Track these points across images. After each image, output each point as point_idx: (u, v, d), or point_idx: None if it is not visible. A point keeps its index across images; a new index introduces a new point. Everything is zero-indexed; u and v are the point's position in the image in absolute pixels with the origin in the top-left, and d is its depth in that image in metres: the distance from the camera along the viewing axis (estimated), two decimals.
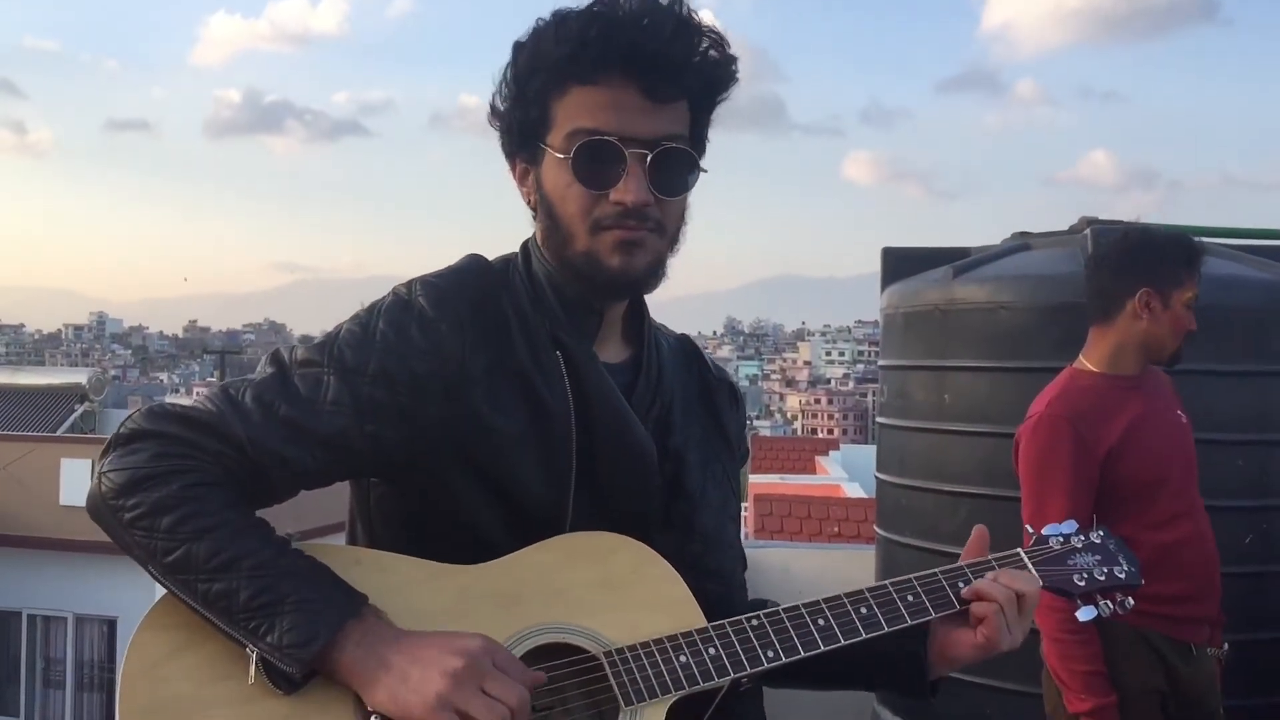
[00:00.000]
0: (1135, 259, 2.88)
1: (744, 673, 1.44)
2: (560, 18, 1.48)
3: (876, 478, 4.34)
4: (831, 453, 19.21)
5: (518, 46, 1.51)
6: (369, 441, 1.43)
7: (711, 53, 1.49)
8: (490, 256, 1.62)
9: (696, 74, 1.49)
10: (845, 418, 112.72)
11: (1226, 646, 2.99)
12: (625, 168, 1.45)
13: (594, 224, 1.48)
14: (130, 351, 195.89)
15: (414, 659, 1.31)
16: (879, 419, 4.35)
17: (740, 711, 1.58)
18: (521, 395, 1.49)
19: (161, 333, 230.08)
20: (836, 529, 9.96)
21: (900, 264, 4.31)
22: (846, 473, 15.29)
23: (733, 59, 1.52)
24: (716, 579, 1.60)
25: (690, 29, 1.46)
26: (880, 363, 4.41)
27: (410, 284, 1.51)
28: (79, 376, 23.74)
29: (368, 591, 1.36)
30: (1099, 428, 2.81)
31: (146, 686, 1.31)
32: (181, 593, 1.33)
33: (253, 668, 1.30)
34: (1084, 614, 1.64)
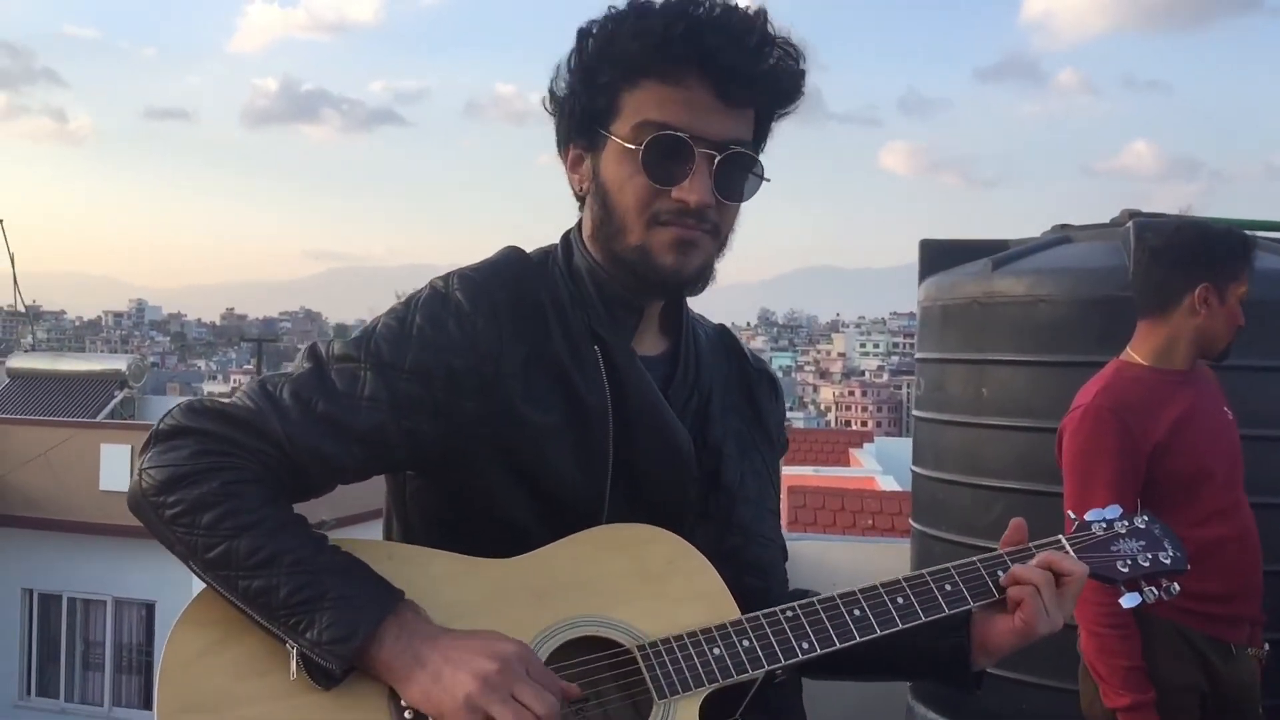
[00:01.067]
0: (1195, 253, 2.84)
1: (778, 665, 1.43)
2: (642, 10, 1.46)
3: (912, 471, 4.31)
4: (866, 445, 19.12)
5: (585, 34, 1.50)
6: (406, 436, 1.43)
7: (787, 64, 1.48)
8: (526, 246, 1.61)
9: (771, 84, 1.48)
10: (879, 410, 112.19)
11: (1267, 647, 2.94)
12: (693, 166, 1.44)
13: (651, 218, 1.47)
14: (169, 338, 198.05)
15: (448, 658, 1.31)
16: (915, 412, 4.32)
17: (777, 703, 1.57)
18: (558, 389, 1.49)
19: (200, 320, 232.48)
20: (870, 522, 9.92)
21: (938, 256, 4.27)
22: (881, 465, 15.21)
23: (803, 73, 1.51)
24: (756, 571, 1.60)
25: (770, 39, 1.46)
26: (917, 355, 4.37)
27: (447, 278, 1.51)
28: (119, 363, 24.01)
29: (402, 586, 1.36)
30: (1146, 421, 2.77)
31: (185, 682, 1.32)
32: (222, 588, 1.34)
33: (293, 663, 1.31)
34: (1128, 600, 1.61)
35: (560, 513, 1.48)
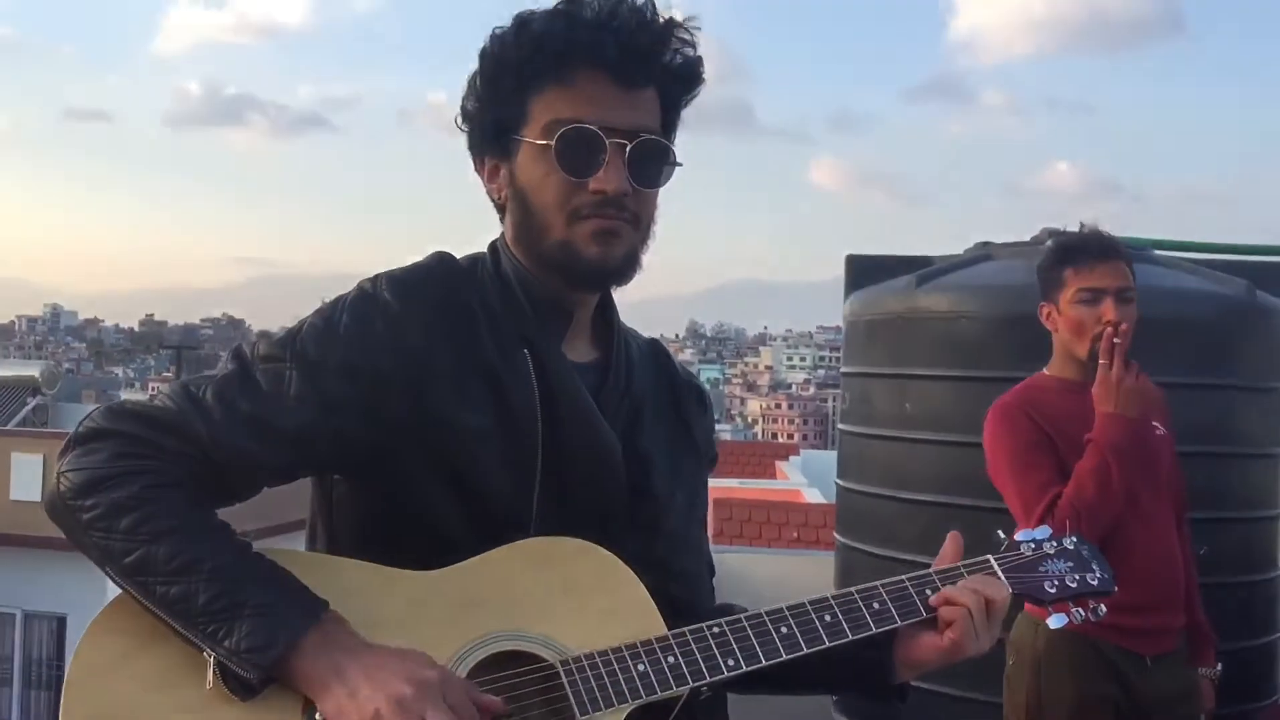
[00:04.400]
0: (1038, 286, 3.03)
1: (703, 681, 1.43)
2: (521, 21, 1.50)
3: (837, 484, 4.35)
4: (792, 458, 19.27)
5: (484, 54, 1.53)
6: (333, 437, 1.41)
7: (679, 42, 1.52)
8: (457, 255, 1.61)
9: (669, 65, 1.51)
10: (806, 423, 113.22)
11: (1219, 666, 2.98)
12: (606, 156, 1.46)
13: (572, 213, 1.48)
14: (85, 345, 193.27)
15: (368, 675, 1.29)
16: (840, 426, 4.36)
17: (703, 715, 1.57)
18: (488, 392, 1.48)
19: (117, 326, 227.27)
20: (796, 534, 9.99)
21: (864, 271, 4.32)
22: (806, 478, 15.32)
23: (698, 54, 1.54)
24: (682, 582, 1.60)
25: (653, 18, 1.49)
26: (842, 369, 4.42)
27: (375, 279, 1.50)
28: (32, 369, 23.36)
29: (325, 598, 1.34)
30: (1046, 417, 2.88)
31: (92, 691, 1.28)
32: (140, 595, 1.31)
33: (210, 673, 1.28)
34: (1054, 621, 1.64)
35: (488, 517, 1.46)
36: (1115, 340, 2.78)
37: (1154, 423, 2.96)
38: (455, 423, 1.45)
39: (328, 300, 1.50)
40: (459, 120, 1.59)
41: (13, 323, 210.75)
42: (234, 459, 1.37)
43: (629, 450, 1.57)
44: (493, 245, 1.61)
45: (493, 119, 1.53)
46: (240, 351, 1.45)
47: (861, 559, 4.03)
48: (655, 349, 1.76)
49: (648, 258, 1.57)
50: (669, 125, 1.57)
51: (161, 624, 1.30)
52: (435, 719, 1.27)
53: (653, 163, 1.51)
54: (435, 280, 1.51)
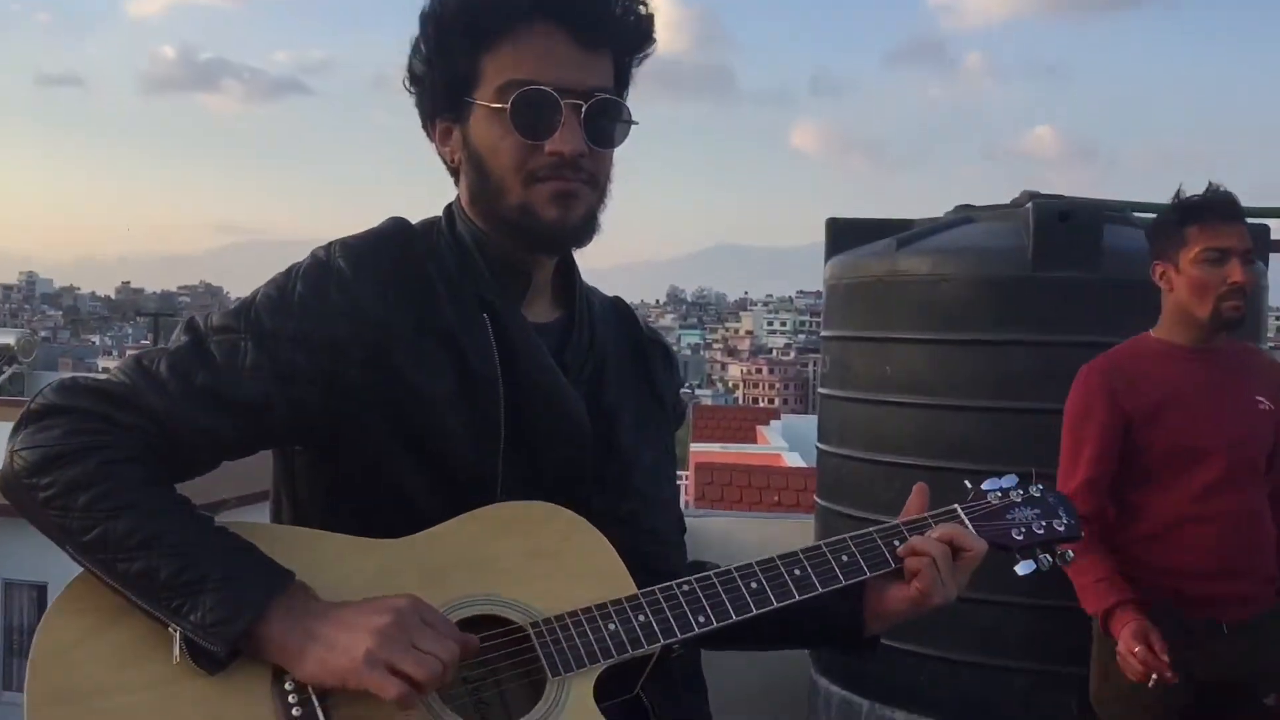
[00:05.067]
0: (1148, 242, 2.96)
1: (674, 639, 1.43)
2: None
3: (817, 448, 4.36)
4: (773, 422, 19.33)
5: (431, 13, 1.50)
6: (291, 407, 1.39)
7: (634, 4, 1.50)
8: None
9: (621, 22, 1.50)
10: (786, 387, 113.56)
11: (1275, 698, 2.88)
12: (561, 118, 1.44)
13: (528, 176, 1.46)
14: (61, 313, 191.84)
15: (341, 625, 1.28)
16: (820, 389, 4.36)
17: (676, 676, 1.57)
18: (447, 358, 1.46)
19: (94, 294, 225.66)
20: (777, 498, 10.03)
21: (844, 235, 4.30)
22: (787, 442, 15.39)
23: (651, 13, 1.53)
24: (652, 539, 1.59)
25: None
26: (822, 333, 4.41)
27: (329, 246, 1.48)
28: (7, 338, 23.19)
29: (290, 568, 1.33)
30: (1136, 386, 2.84)
31: (57, 670, 1.26)
32: (101, 572, 1.29)
33: (176, 648, 1.26)
34: (1023, 568, 1.65)
35: (453, 484, 1.45)
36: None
37: (1258, 397, 2.91)
38: (415, 389, 1.43)
39: (283, 269, 1.47)
40: (406, 83, 1.56)
41: None
42: (190, 432, 1.35)
43: (594, 408, 1.56)
44: (448, 209, 1.59)
45: (444, 80, 1.50)
46: (194, 324, 1.43)
47: (841, 521, 4.04)
48: (618, 306, 1.75)
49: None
50: (621, 83, 1.55)
51: (125, 601, 1.29)
52: (423, 641, 1.27)
53: (609, 122, 1.49)
54: (390, 246, 1.48)
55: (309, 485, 1.51)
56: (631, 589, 1.45)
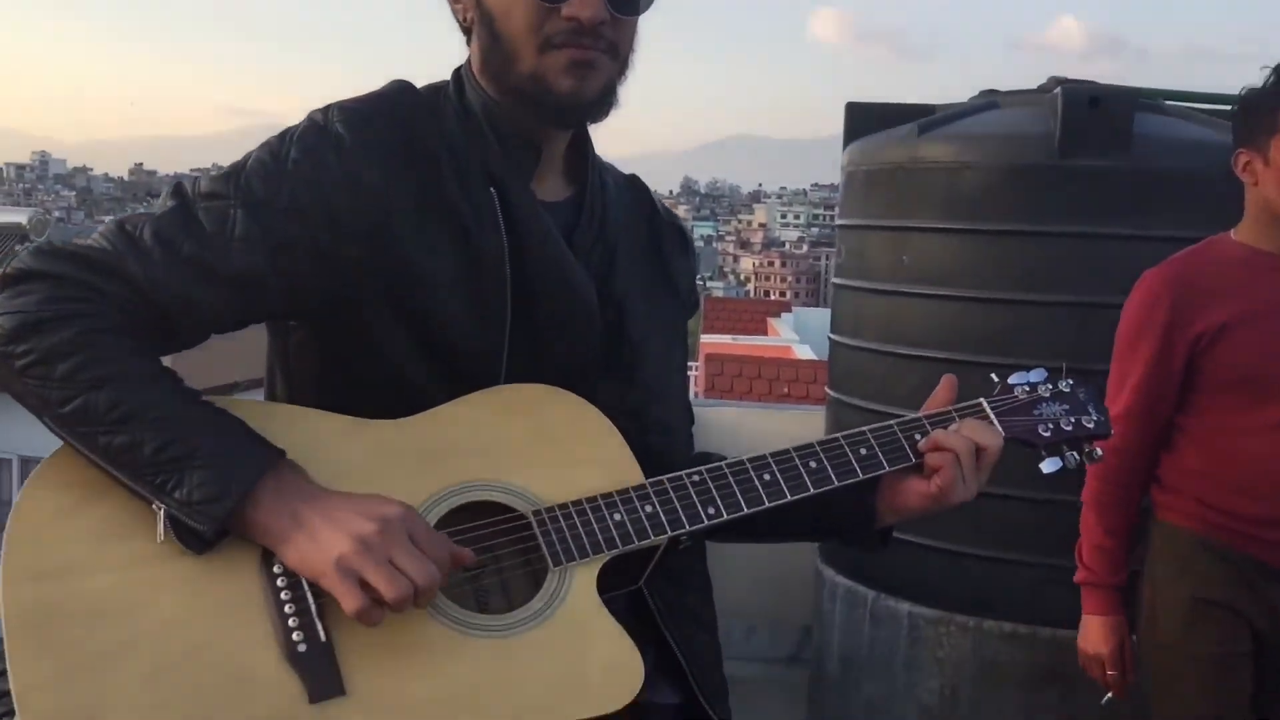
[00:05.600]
0: (1232, 128, 2.47)
1: (682, 531, 1.37)
2: None
3: (830, 339, 4.27)
4: (784, 315, 19.23)
5: None
6: (282, 281, 1.31)
7: None
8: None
9: None
10: (799, 281, 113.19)
11: None
12: None
13: (543, 42, 1.36)
14: (74, 193, 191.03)
15: (328, 517, 1.22)
16: (835, 280, 4.26)
17: (681, 569, 1.52)
18: (451, 233, 1.38)
19: (107, 175, 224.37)
20: (787, 390, 10.00)
21: (864, 120, 4.15)
22: (798, 335, 15.32)
23: None
24: (660, 431, 1.52)
25: None
26: (838, 222, 4.29)
27: (327, 109, 1.37)
28: (20, 216, 23.05)
29: (282, 447, 1.26)
30: (1207, 299, 2.39)
31: (36, 546, 1.21)
32: (82, 446, 1.22)
33: (161, 526, 1.20)
34: (1049, 465, 1.59)
35: (455, 368, 1.38)
36: None
37: None
38: (416, 267, 1.35)
39: (278, 132, 1.38)
40: None
41: (1, 170, 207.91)
42: (175, 303, 1.27)
43: (603, 293, 1.48)
44: (457, 73, 1.48)
45: None
46: (181, 188, 1.34)
47: (853, 414, 3.98)
48: (634, 185, 1.65)
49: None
50: None
51: (107, 476, 1.23)
52: (402, 558, 1.21)
53: None
54: (393, 111, 1.39)
55: (304, 364, 1.44)
56: (639, 478, 1.39)
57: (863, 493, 1.54)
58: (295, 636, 1.21)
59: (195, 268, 1.28)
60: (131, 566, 1.21)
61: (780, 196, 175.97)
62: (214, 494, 1.20)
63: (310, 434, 1.31)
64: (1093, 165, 3.44)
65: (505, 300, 1.39)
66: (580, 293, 1.44)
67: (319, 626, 1.22)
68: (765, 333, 17.21)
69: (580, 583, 1.31)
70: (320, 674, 1.20)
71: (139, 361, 1.25)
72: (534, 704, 1.23)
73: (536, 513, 1.34)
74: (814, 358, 11.74)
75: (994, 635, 3.58)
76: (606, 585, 1.33)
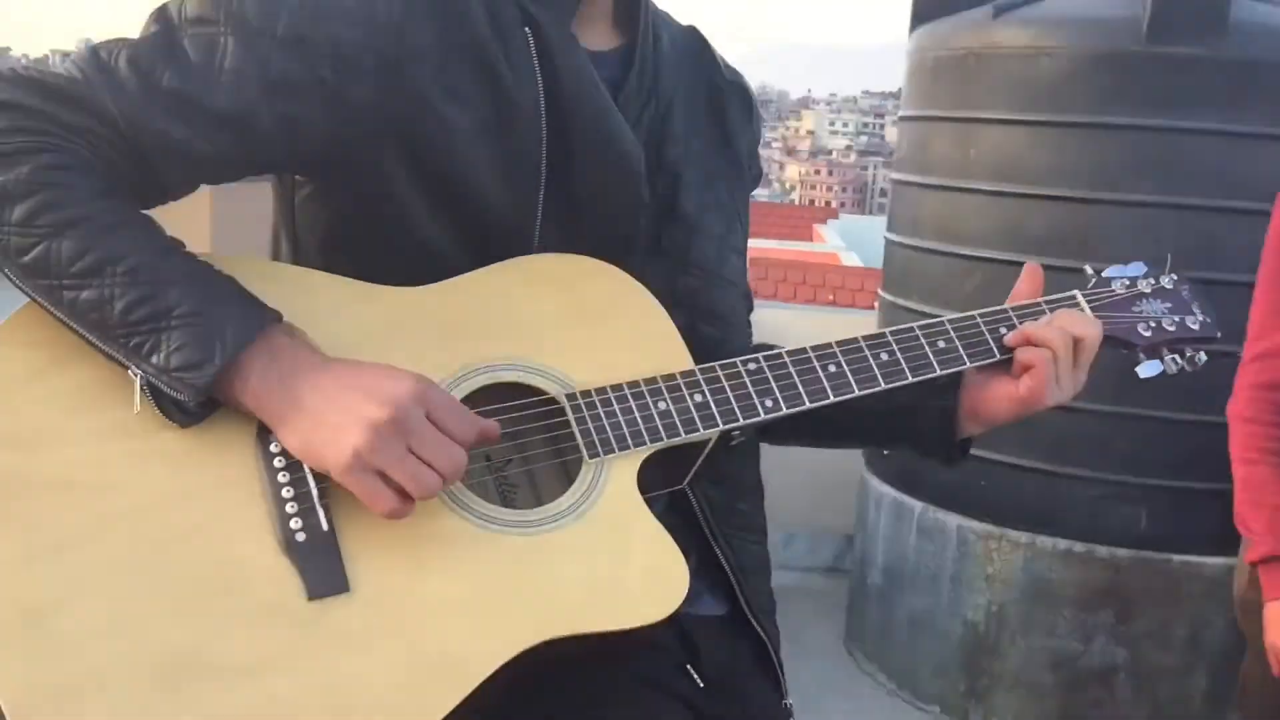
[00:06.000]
0: None
1: (735, 424, 1.20)
2: None
3: (885, 238, 4.05)
4: (830, 221, 18.87)
5: None
6: (280, 124, 1.12)
7: None
8: None
9: None
10: (845, 190, 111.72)
11: None
12: None
13: None
14: None
15: (331, 400, 1.05)
16: (893, 175, 4.02)
17: (731, 470, 1.35)
18: (478, 77, 1.18)
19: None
20: (832, 297, 9.77)
21: (933, 2, 3.88)
22: (845, 242, 15.02)
23: None
24: (714, 319, 1.34)
25: None
26: (901, 113, 4.04)
27: None
28: None
29: (281, 312, 1.09)
30: None
31: (0, 413, 1.05)
32: (45, 301, 1.05)
33: (137, 394, 1.04)
34: (1147, 369, 1.40)
35: (481, 234, 1.20)
36: None
37: None
38: (439, 116, 1.17)
39: None
40: None
41: None
42: (153, 142, 1.09)
43: (653, 160, 1.30)
44: None
45: None
46: (165, 12, 1.14)
47: (908, 318, 3.76)
48: (694, 38, 1.44)
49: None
50: None
51: (80, 338, 1.06)
52: (424, 445, 1.04)
53: None
54: None
55: (311, 224, 1.27)
56: (688, 363, 1.22)
57: (941, 395, 1.37)
58: (294, 524, 1.06)
59: (177, 102, 1.09)
60: (109, 438, 1.06)
61: (829, 103, 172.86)
62: (194, 360, 1.03)
63: (313, 299, 1.14)
64: (1183, 53, 3.17)
65: (540, 158, 1.21)
66: (627, 156, 1.26)
67: (321, 514, 1.06)
68: (811, 239, 16.90)
69: (618, 478, 1.15)
70: (321, 567, 1.05)
71: (109, 204, 1.07)
72: (562, 611, 1.08)
73: (571, 397, 1.17)
74: (861, 265, 11.48)
75: (1048, 552, 3.42)
76: (646, 484, 1.17)
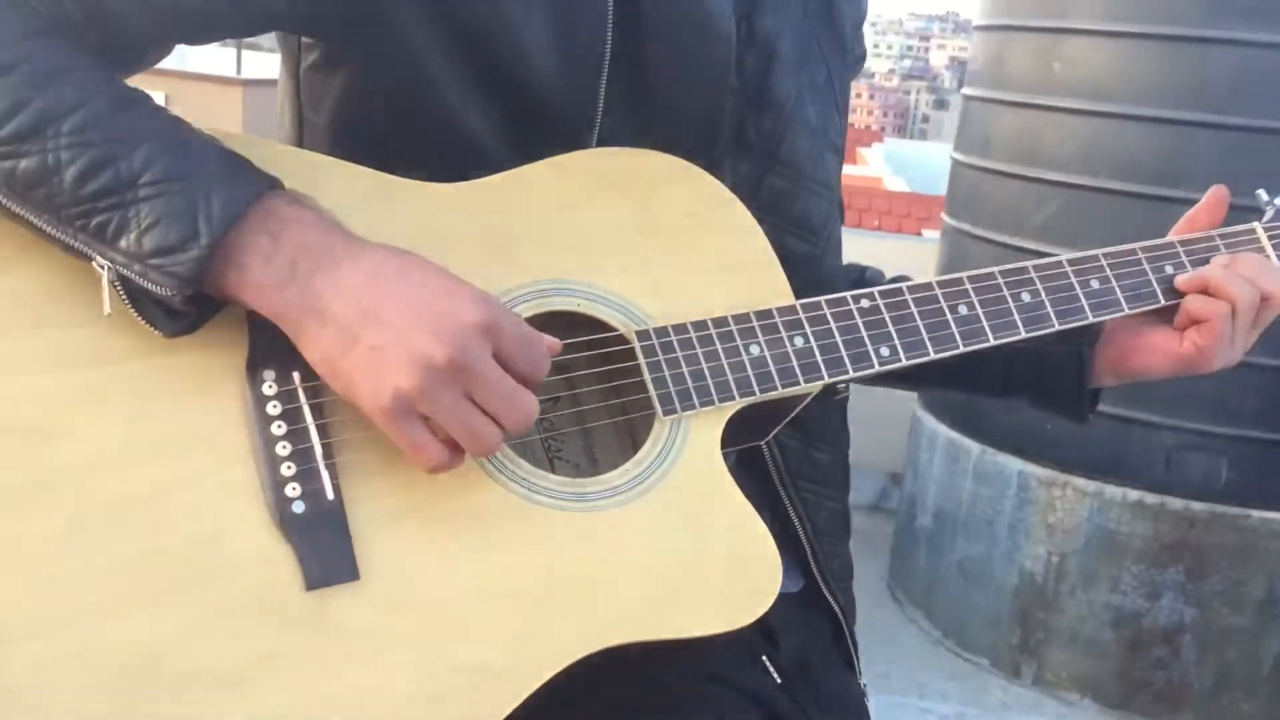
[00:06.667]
0: None
1: (844, 376, 0.98)
2: None
3: (953, 158, 3.77)
4: (875, 145, 18.41)
5: None
6: None
7: None
8: None
9: None
10: (886, 115, 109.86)
11: None
12: None
13: None
14: None
15: (369, 312, 0.82)
16: (965, 90, 3.72)
17: (815, 421, 1.13)
18: None
19: None
20: (877, 222, 9.46)
21: None
22: (891, 167, 14.62)
23: None
24: (805, 232, 1.12)
25: None
26: (976, 23, 3.74)
27: None
28: None
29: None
30: None
31: None
32: None
33: (106, 293, 0.81)
34: None
35: (530, 121, 0.97)
36: None
37: None
38: None
39: None
40: None
41: None
42: None
43: (743, 33, 1.06)
44: None
45: None
46: None
47: (975, 246, 3.51)
48: None
49: None
50: None
51: (26, 225, 0.83)
52: (491, 397, 0.82)
53: None
54: None
55: (316, 101, 1.03)
56: (787, 294, 1.00)
57: (1075, 338, 1.14)
58: (290, 491, 0.84)
59: None
60: (67, 364, 0.84)
61: (874, 25, 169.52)
62: (172, 240, 0.80)
63: (326, 191, 0.90)
64: None
65: (605, 25, 0.97)
66: (711, 24, 1.02)
67: (325, 478, 0.84)
68: (854, 162, 16.49)
69: (698, 441, 0.93)
70: (323, 548, 0.83)
71: (49, 45, 0.84)
72: (627, 612, 0.87)
73: (643, 335, 0.94)
74: (906, 190, 11.14)
75: (1116, 502, 3.19)
76: (724, 440, 0.95)
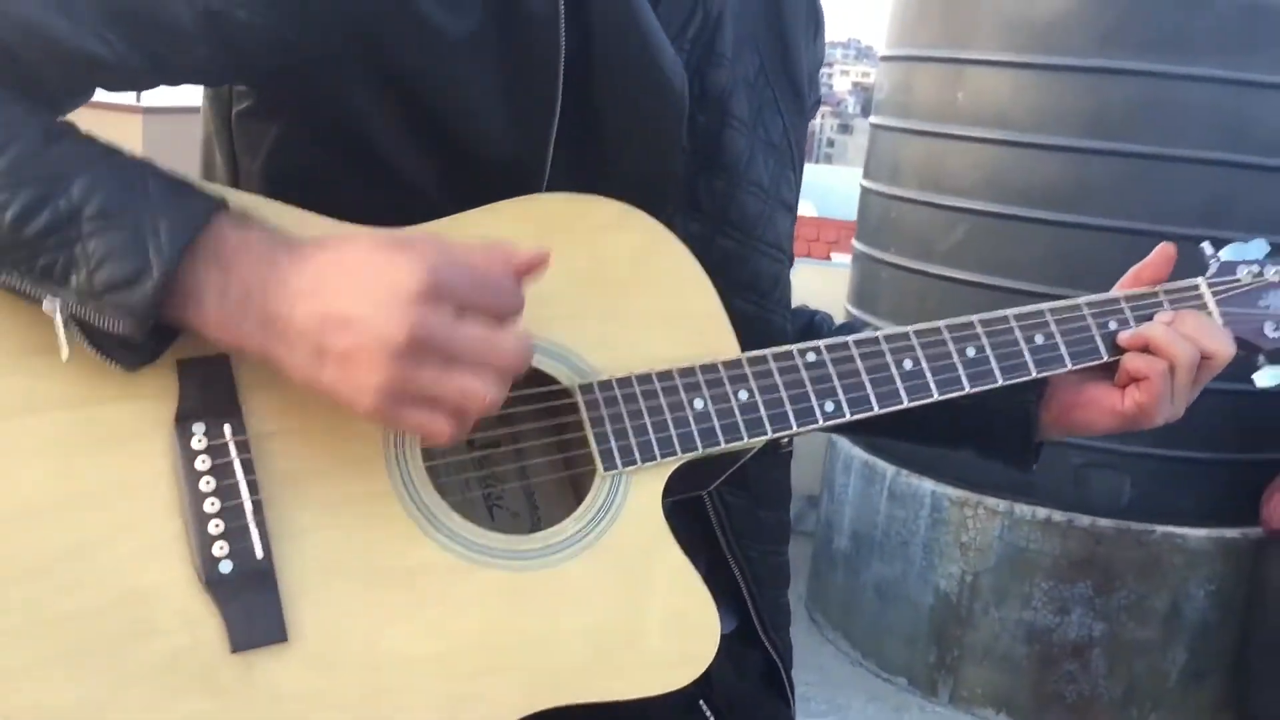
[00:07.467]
0: None
1: (787, 431, 0.97)
2: None
3: (862, 186, 3.83)
4: None
5: None
6: (204, 23, 0.86)
7: None
8: None
9: None
10: None
11: None
12: None
13: None
14: None
15: (325, 318, 0.79)
16: (873, 119, 3.79)
17: (758, 475, 1.12)
18: None
19: None
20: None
21: None
22: None
23: None
24: (753, 294, 1.10)
25: None
26: (882, 53, 3.81)
27: None
28: None
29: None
30: None
31: None
32: None
33: (61, 334, 0.77)
34: (1266, 378, 1.17)
35: (475, 176, 0.94)
36: None
37: None
38: (427, 23, 0.90)
39: None
40: None
41: None
42: (24, 35, 0.82)
43: (695, 89, 1.04)
44: None
45: None
46: None
47: (885, 270, 3.57)
48: None
49: None
50: None
51: None
52: (470, 350, 0.80)
53: None
54: None
55: (251, 147, 1.00)
56: (733, 347, 0.98)
57: (1021, 392, 1.13)
58: (218, 549, 0.81)
59: None
60: (12, 412, 0.80)
61: None
62: (126, 273, 0.77)
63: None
64: None
65: (555, 78, 0.95)
66: (664, 81, 1.00)
67: (255, 535, 0.82)
68: None
69: (639, 497, 0.91)
70: (250, 608, 0.80)
71: None
72: (562, 674, 0.85)
73: (586, 388, 0.92)
74: (814, 215, 11.27)
75: (1026, 521, 3.26)
76: (665, 491, 0.94)
